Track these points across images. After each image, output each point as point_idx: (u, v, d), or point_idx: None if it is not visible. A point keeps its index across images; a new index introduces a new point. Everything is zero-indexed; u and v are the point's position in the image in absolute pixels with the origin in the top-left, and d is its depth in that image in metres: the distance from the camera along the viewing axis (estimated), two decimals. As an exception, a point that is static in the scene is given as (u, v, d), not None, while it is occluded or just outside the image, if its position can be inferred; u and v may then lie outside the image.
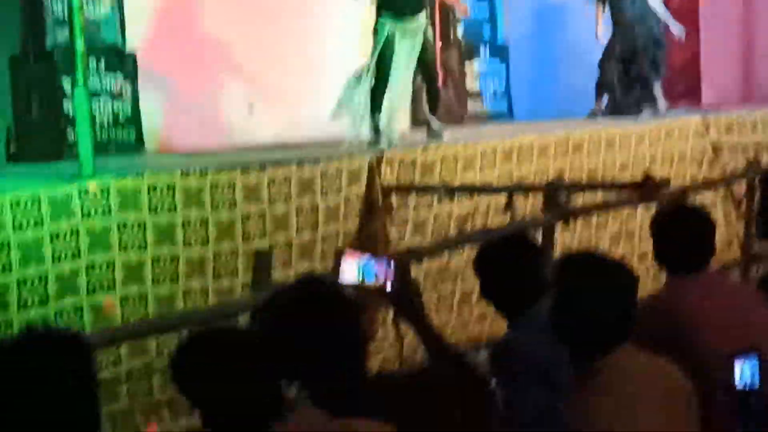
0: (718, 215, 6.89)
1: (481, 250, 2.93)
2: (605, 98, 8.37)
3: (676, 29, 8.24)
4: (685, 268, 2.96)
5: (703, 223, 3.02)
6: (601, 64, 8.32)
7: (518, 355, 2.69)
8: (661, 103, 8.20)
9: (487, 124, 8.66)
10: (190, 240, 4.72)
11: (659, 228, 3.07)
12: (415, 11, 6.46)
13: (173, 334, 3.59)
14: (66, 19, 6.23)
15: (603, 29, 8.33)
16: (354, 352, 2.08)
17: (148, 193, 4.57)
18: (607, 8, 8.31)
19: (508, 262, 2.79)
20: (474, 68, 8.98)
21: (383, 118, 6.31)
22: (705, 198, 6.69)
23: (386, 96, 6.36)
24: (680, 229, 2.99)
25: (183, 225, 4.70)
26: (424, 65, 6.57)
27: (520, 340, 2.70)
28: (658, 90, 8.27)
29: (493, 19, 9.24)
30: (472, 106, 8.91)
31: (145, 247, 4.54)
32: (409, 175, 5.67)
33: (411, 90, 6.62)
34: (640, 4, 8.22)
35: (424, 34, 6.52)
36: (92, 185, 4.39)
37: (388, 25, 6.44)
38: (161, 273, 4.59)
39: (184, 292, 4.68)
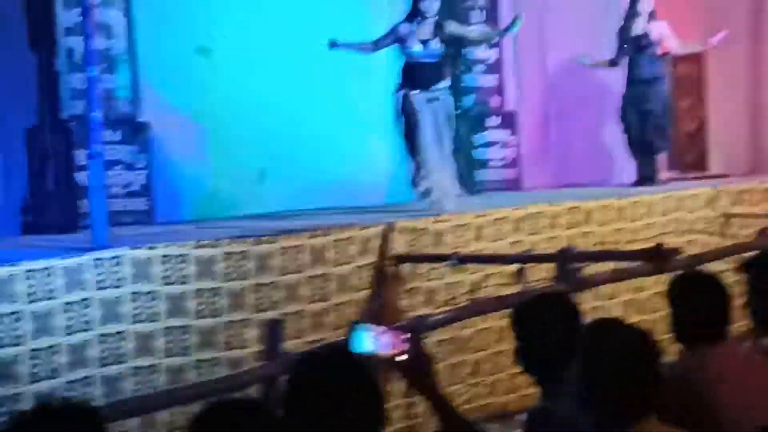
0: (730, 285, 6.88)
1: (520, 309, 2.84)
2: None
3: (716, 37, 8.33)
4: (703, 338, 2.94)
5: (719, 292, 3.02)
6: (624, 123, 8.41)
7: (554, 423, 2.62)
8: (662, 173, 8.29)
9: (497, 193, 8.70)
10: (201, 310, 4.73)
11: (675, 297, 3.06)
12: (435, 80, 6.68)
13: (184, 406, 3.58)
14: (82, 90, 6.34)
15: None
16: (374, 425, 2.07)
17: (162, 263, 4.59)
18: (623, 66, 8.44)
19: (545, 321, 2.71)
20: (483, 137, 9.04)
21: (431, 186, 6.45)
22: (716, 268, 6.69)
23: (426, 164, 6.54)
24: (697, 298, 2.98)
25: (195, 295, 4.71)
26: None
27: (556, 407, 2.62)
28: (662, 160, 8.36)
29: (501, 87, 9.34)
30: (481, 175, 8.96)
31: (157, 318, 4.55)
32: (421, 244, 5.68)
33: (450, 155, 6.78)
34: (657, 67, 8.35)
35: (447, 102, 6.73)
36: (106, 256, 4.42)
37: (408, 94, 6.61)
38: (173, 344, 4.59)
39: (196, 362, 4.67)
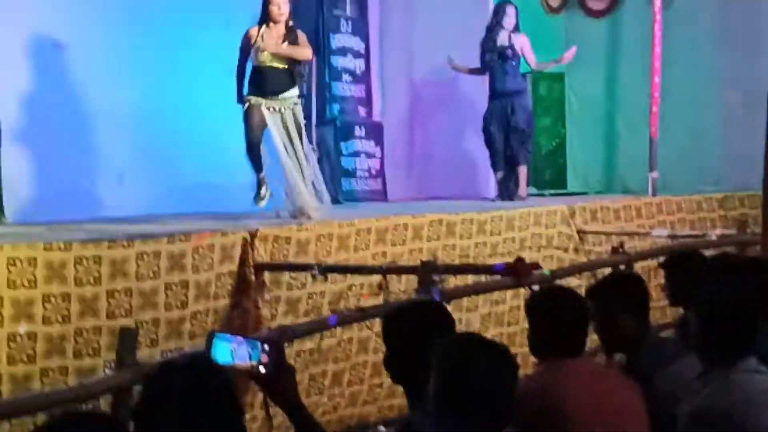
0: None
1: (391, 316, 2.76)
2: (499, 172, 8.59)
3: (567, 56, 8.55)
4: (559, 352, 2.98)
5: (576, 307, 3.07)
6: (486, 134, 8.54)
7: None
8: (522, 189, 8.47)
9: (362, 203, 8.72)
10: (50, 316, 4.50)
11: (534, 311, 3.10)
12: (282, 89, 6.43)
13: (29, 417, 3.38)
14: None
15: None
16: None
17: (7, 266, 4.34)
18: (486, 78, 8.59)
19: (416, 328, 2.60)
20: (349, 147, 9.05)
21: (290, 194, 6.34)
22: (571, 283, 6.87)
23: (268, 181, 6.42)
24: (555, 312, 3.02)
25: (43, 300, 4.48)
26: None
27: (421, 421, 2.57)
28: (523, 175, 8.54)
29: (368, 98, 9.38)
30: (346, 185, 8.96)
31: (1, 324, 4.30)
32: (283, 253, 5.60)
33: (304, 163, 6.49)
34: (519, 80, 8.55)
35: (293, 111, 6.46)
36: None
37: (254, 102, 6.41)
38: (17, 351, 4.35)
39: (42, 371, 4.44)
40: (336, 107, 9.03)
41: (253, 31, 6.47)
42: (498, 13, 8.58)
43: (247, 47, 6.48)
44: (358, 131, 9.12)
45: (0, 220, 6.40)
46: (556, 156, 10.93)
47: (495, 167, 8.64)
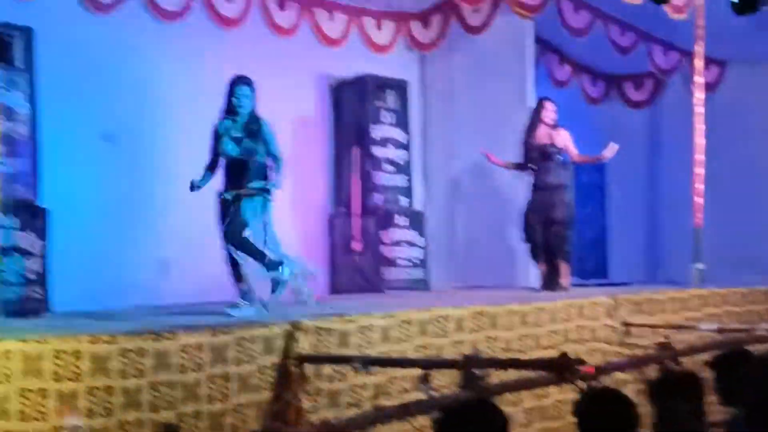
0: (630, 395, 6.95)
1: (441, 419, 2.76)
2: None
3: (609, 151, 8.50)
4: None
5: (626, 410, 3.02)
6: (525, 227, 8.49)
7: None
8: (564, 279, 8.37)
9: (404, 292, 8.71)
10: (93, 409, 4.51)
11: (583, 414, 3.05)
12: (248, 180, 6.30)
13: None
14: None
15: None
16: None
17: (53, 359, 4.37)
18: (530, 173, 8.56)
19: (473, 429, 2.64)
20: (391, 236, 9.08)
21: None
22: (618, 377, 6.76)
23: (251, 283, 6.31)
24: (605, 416, 2.97)
25: (87, 393, 4.49)
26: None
27: None
28: (564, 267, 8.44)
29: (410, 188, 9.45)
30: (388, 274, 8.96)
31: (45, 417, 4.31)
32: (325, 345, 5.58)
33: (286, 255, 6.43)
34: (562, 175, 8.51)
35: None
36: None
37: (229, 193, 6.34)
38: (61, 445, 4.35)
39: (85, 465, 4.42)
40: (378, 197, 9.10)
41: (219, 125, 6.45)
42: (538, 109, 8.60)
43: (216, 141, 6.45)
44: (400, 220, 9.16)
45: (47, 309, 6.47)
46: (598, 245, 10.88)
47: (535, 259, 8.58)
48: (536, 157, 8.43)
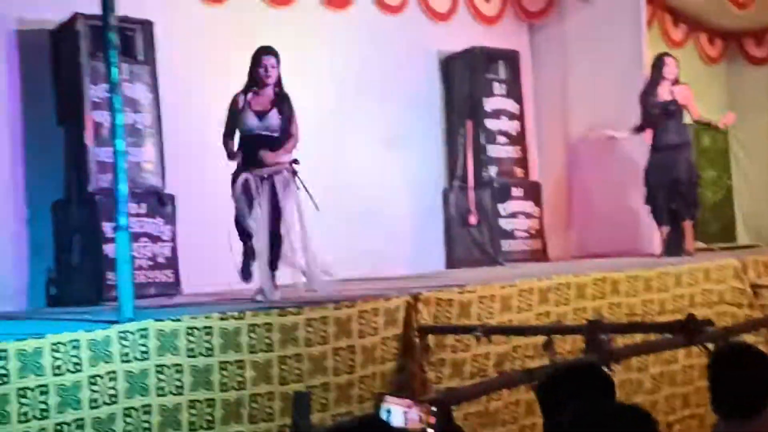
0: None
1: (546, 382, 2.74)
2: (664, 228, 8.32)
3: (728, 118, 8.25)
4: (741, 412, 2.88)
5: (761, 365, 2.96)
6: (648, 189, 8.27)
7: None
8: (689, 243, 8.12)
9: (523, 264, 8.67)
10: (226, 383, 4.68)
11: (717, 369, 3.00)
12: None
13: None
14: (109, 163, 6.39)
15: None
16: None
17: (186, 336, 4.56)
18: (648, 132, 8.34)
19: (575, 395, 2.56)
20: (507, 208, 9.04)
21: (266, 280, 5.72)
22: (747, 339, 6.58)
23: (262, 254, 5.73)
24: (739, 370, 2.92)
25: (220, 368, 4.67)
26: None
27: None
28: (689, 230, 8.21)
29: (525, 158, 9.37)
30: (506, 246, 8.94)
31: (182, 392, 4.51)
32: (447, 315, 5.63)
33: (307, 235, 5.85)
34: (683, 133, 8.24)
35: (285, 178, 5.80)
36: (131, 328, 4.40)
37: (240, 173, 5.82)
38: (198, 417, 4.53)
39: (221, 436, 4.61)
40: (493, 169, 9.07)
41: (239, 97, 5.94)
42: (659, 65, 8.31)
43: (234, 114, 5.93)
44: (516, 192, 9.11)
45: (177, 291, 6.73)
46: (723, 208, 10.56)
47: (659, 222, 8.36)
48: (657, 115, 8.19)
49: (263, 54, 5.97)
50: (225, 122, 5.94)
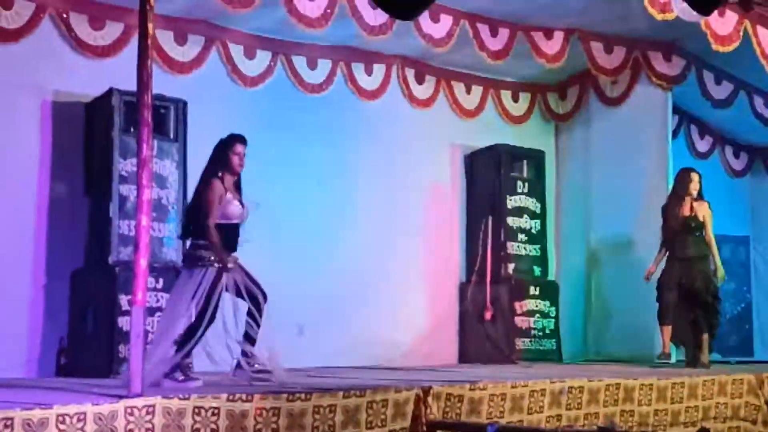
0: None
1: None
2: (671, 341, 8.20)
3: (720, 272, 8.19)
4: None
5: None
6: (660, 294, 8.16)
7: None
8: (705, 357, 7.99)
9: (536, 363, 8.60)
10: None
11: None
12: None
13: None
14: (131, 236, 6.47)
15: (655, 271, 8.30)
16: None
17: (193, 415, 4.54)
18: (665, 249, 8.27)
19: None
20: (524, 306, 9.03)
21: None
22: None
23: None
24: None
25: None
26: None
27: None
28: (706, 343, 8.09)
29: (544, 257, 9.38)
30: (519, 344, 8.89)
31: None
32: (456, 411, 5.57)
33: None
34: (701, 246, 8.16)
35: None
36: (138, 404, 4.38)
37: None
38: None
39: None
40: (511, 266, 9.08)
41: (218, 183, 5.83)
42: (684, 180, 8.28)
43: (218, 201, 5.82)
44: (533, 290, 9.10)
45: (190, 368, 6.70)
46: (741, 321, 10.48)
47: (662, 322, 8.19)
48: (677, 229, 8.16)
49: (239, 142, 5.94)
50: (209, 207, 5.74)
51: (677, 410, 6.57)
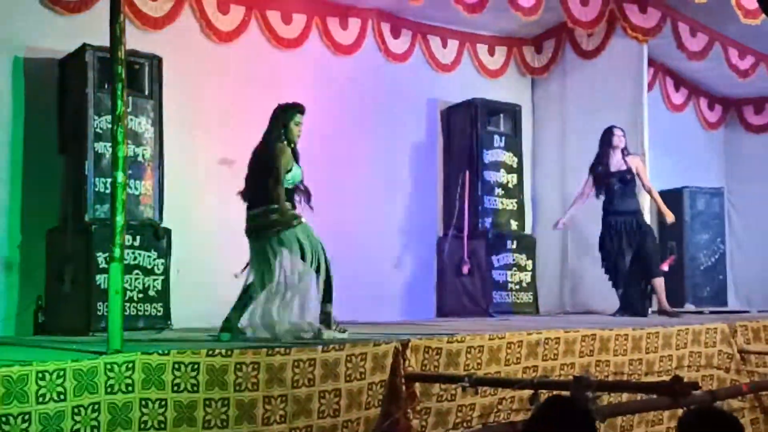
0: (746, 423, 6.76)
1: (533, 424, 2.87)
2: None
3: (669, 217, 8.33)
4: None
5: (731, 428, 2.98)
6: (603, 254, 8.34)
7: None
8: (663, 301, 8.16)
9: (513, 316, 8.69)
10: (210, 420, 4.67)
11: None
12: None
13: None
14: (107, 194, 6.44)
15: (567, 221, 8.41)
16: None
17: (173, 371, 4.56)
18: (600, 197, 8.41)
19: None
20: (501, 260, 9.08)
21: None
22: (733, 405, 6.58)
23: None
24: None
25: (204, 405, 4.65)
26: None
27: None
28: (661, 287, 8.23)
29: (520, 211, 9.43)
30: (498, 297, 8.96)
31: (165, 427, 4.49)
32: (434, 364, 5.63)
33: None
34: (636, 200, 8.32)
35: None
36: (118, 360, 4.40)
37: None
38: (179, 453, 4.51)
39: (200, 473, 4.58)
40: (488, 220, 9.12)
41: (286, 147, 5.95)
42: (608, 137, 8.34)
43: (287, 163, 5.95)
44: (510, 244, 9.15)
45: (167, 326, 6.74)
46: (715, 272, 10.60)
47: (616, 286, 8.38)
48: (610, 184, 8.30)
49: (300, 112, 6.02)
50: (279, 173, 5.83)
51: (652, 360, 6.67)
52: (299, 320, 5.85)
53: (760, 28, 8.07)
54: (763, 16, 6.75)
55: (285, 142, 5.92)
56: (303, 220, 5.90)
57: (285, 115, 6.00)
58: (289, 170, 5.92)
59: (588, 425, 2.72)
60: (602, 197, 8.38)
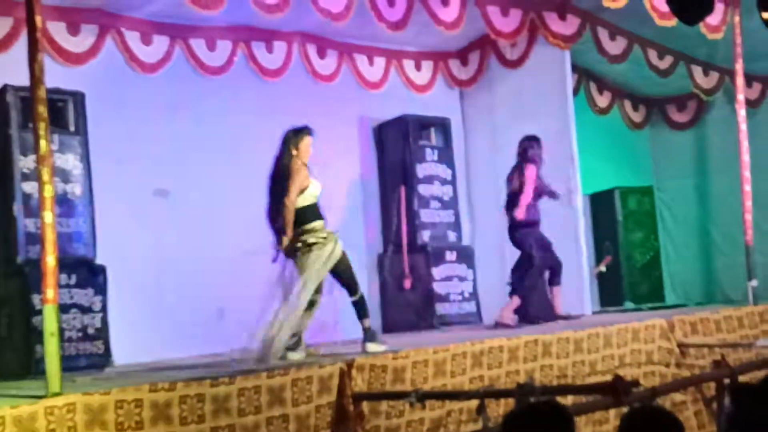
0: (689, 416, 6.90)
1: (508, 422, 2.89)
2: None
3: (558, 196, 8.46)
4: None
5: (671, 426, 3.03)
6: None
7: None
8: (559, 307, 8.28)
9: (456, 327, 8.74)
10: (157, 456, 4.62)
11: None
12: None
13: None
14: (38, 234, 6.33)
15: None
16: None
17: (116, 409, 4.50)
18: None
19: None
20: (441, 272, 9.14)
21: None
22: (675, 399, 6.71)
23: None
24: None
25: (150, 440, 4.60)
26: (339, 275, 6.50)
27: None
28: (558, 295, 8.35)
29: (457, 223, 9.50)
30: (440, 309, 9.01)
31: (111, 466, 4.44)
32: (381, 382, 5.64)
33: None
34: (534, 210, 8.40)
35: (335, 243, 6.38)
36: (58, 403, 4.33)
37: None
38: (127, 492, 4.46)
39: None
40: (426, 234, 9.18)
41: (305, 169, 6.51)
42: (532, 147, 8.45)
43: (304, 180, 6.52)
44: (449, 256, 9.22)
45: (108, 363, 6.64)
46: (651, 269, 10.80)
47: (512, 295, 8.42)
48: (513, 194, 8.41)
49: (309, 134, 6.57)
50: (293, 185, 6.35)
51: (594, 360, 6.77)
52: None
53: (677, 29, 8.27)
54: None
55: (300, 162, 6.40)
56: (335, 238, 6.38)
57: (296, 138, 6.41)
58: (306, 187, 6.38)
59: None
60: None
